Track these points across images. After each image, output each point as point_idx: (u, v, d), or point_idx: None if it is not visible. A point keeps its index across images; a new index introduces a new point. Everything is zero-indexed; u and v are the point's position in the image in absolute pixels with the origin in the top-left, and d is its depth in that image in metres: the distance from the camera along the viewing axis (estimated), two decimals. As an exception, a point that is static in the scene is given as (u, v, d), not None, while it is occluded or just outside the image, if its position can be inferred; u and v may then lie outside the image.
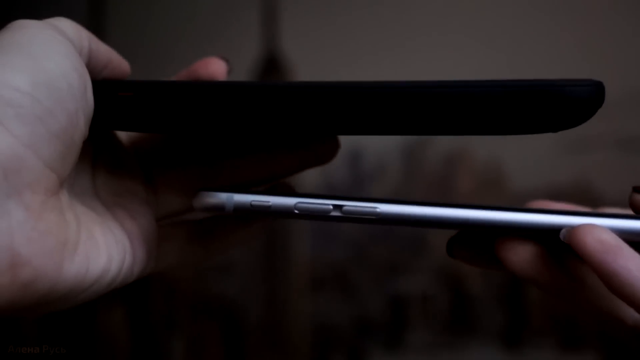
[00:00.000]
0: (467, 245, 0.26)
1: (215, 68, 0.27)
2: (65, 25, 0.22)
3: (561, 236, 0.22)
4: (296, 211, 0.23)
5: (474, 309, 0.57)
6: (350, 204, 0.23)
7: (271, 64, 0.57)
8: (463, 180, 0.57)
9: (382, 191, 0.58)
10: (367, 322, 0.58)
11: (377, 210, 0.23)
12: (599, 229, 0.21)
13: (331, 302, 0.58)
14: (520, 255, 0.23)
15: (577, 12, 0.55)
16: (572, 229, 0.21)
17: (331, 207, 0.23)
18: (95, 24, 0.59)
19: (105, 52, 0.24)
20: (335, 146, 0.28)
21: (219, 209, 0.23)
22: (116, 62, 0.25)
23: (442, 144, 0.57)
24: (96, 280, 0.20)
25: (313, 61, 0.56)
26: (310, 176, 0.57)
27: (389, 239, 0.57)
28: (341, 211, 0.23)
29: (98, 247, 0.21)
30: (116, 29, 0.59)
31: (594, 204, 0.55)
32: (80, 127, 0.20)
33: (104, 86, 0.22)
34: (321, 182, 0.57)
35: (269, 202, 0.23)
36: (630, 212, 0.26)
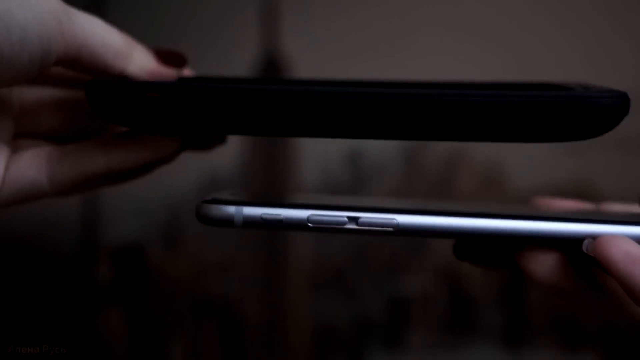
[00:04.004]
0: (475, 246, 0.25)
1: None
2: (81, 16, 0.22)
3: (584, 248, 0.22)
4: (309, 224, 0.22)
5: (474, 309, 0.57)
6: (366, 216, 0.22)
7: (271, 64, 0.57)
8: (463, 180, 0.57)
9: (382, 191, 0.57)
10: (367, 323, 0.58)
11: (395, 221, 0.22)
12: (623, 239, 0.21)
13: (331, 302, 0.58)
14: (543, 264, 0.22)
15: (575, 12, 0.55)
16: (595, 240, 0.21)
17: (346, 219, 0.22)
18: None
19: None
20: (222, 139, 0.28)
21: (227, 222, 0.22)
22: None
23: (443, 144, 0.57)
24: None
25: (313, 62, 0.56)
26: (310, 176, 0.57)
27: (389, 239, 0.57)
28: (357, 223, 0.22)
29: None
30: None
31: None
32: None
33: (132, 86, 0.22)
34: (321, 181, 0.57)
35: (280, 215, 0.22)
36: (635, 207, 0.26)
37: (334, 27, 0.56)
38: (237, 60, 0.57)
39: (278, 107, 0.21)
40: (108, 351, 0.58)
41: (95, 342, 0.58)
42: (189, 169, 0.56)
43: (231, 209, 0.22)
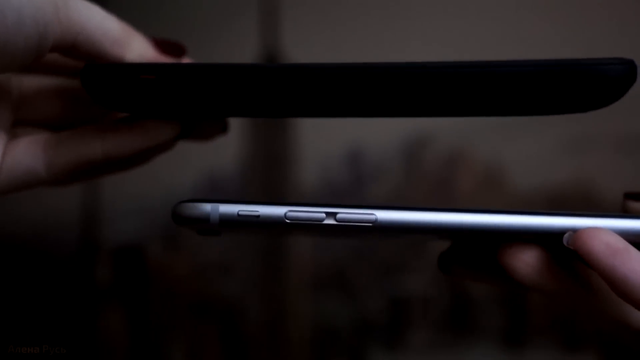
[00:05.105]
0: (461, 260, 0.25)
1: None
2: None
3: (564, 241, 0.21)
4: (287, 220, 0.21)
5: (475, 309, 0.57)
6: (345, 211, 0.21)
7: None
8: (463, 181, 0.57)
9: (382, 191, 0.57)
10: (367, 323, 0.58)
11: (374, 216, 0.21)
12: (604, 231, 0.20)
13: (331, 302, 0.58)
14: (525, 261, 0.22)
15: (576, 9, 0.55)
16: (576, 233, 0.21)
17: (324, 214, 0.21)
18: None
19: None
20: (223, 128, 0.28)
21: (203, 221, 0.22)
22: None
23: (443, 144, 0.57)
24: None
25: (313, 62, 0.56)
26: (310, 176, 0.57)
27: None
28: (335, 219, 0.21)
29: None
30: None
31: (594, 204, 0.55)
32: None
33: (126, 68, 0.21)
34: (321, 181, 0.57)
35: (257, 211, 0.21)
36: None
37: (334, 28, 0.56)
38: (237, 60, 0.57)
39: (277, 83, 0.20)
40: (108, 351, 0.58)
41: (95, 342, 0.58)
42: (188, 169, 0.56)
43: (207, 207, 0.22)
